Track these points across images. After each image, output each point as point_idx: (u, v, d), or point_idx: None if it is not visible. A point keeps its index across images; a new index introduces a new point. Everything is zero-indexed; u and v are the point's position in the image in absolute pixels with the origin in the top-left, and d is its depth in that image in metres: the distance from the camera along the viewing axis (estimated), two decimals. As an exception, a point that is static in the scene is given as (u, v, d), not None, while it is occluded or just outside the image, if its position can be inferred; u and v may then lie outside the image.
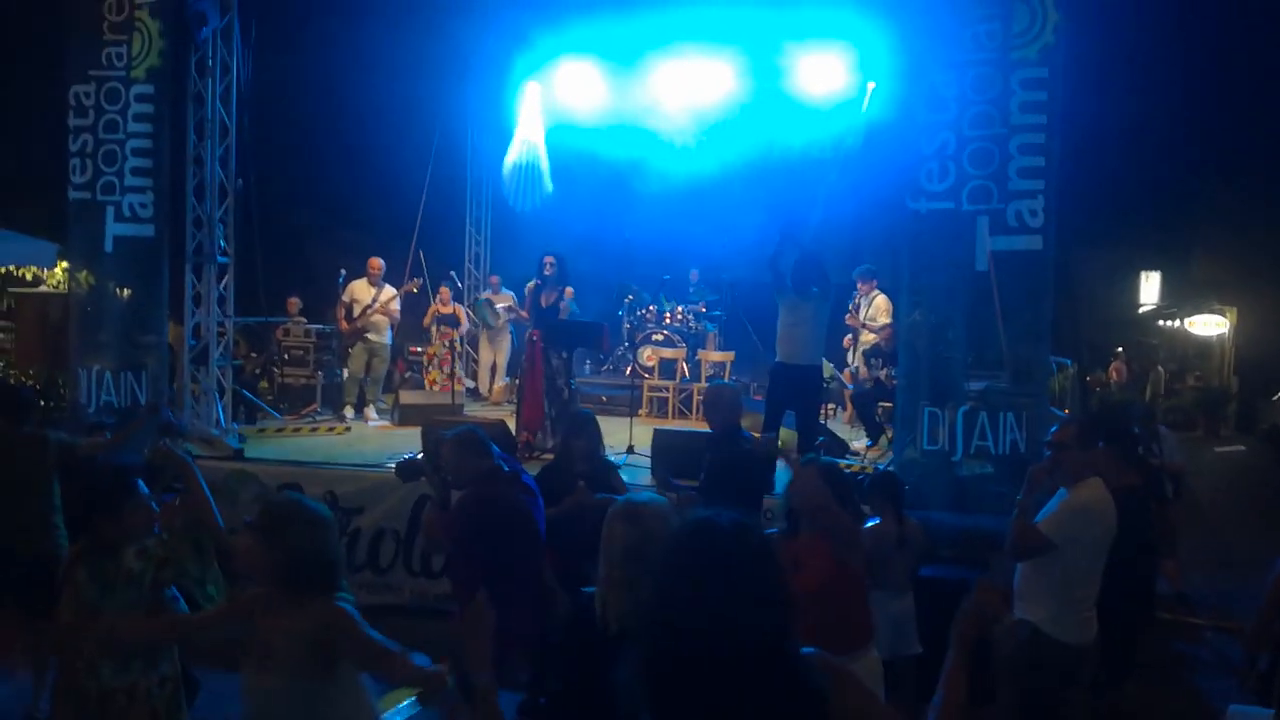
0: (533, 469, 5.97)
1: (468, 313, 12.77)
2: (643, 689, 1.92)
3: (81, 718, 3.53)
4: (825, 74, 11.58)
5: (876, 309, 10.65)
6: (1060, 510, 4.22)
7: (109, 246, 9.06)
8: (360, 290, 11.00)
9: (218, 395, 9.33)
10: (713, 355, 12.48)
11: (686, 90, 12.13)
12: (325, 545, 3.05)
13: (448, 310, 12.19)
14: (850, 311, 10.90)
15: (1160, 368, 25.78)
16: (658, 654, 1.91)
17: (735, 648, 1.85)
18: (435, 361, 12.08)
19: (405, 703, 5.62)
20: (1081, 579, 4.17)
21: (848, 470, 8.24)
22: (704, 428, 7.96)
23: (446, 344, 11.96)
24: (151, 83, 9.00)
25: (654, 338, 12.52)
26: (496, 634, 4.25)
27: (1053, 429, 4.48)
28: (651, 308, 12.89)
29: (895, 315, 9.50)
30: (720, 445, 5.57)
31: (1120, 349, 26.24)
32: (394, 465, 5.14)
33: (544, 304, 8.98)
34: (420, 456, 6.85)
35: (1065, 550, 4.12)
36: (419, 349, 12.79)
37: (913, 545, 5.27)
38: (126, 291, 9.26)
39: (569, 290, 9.01)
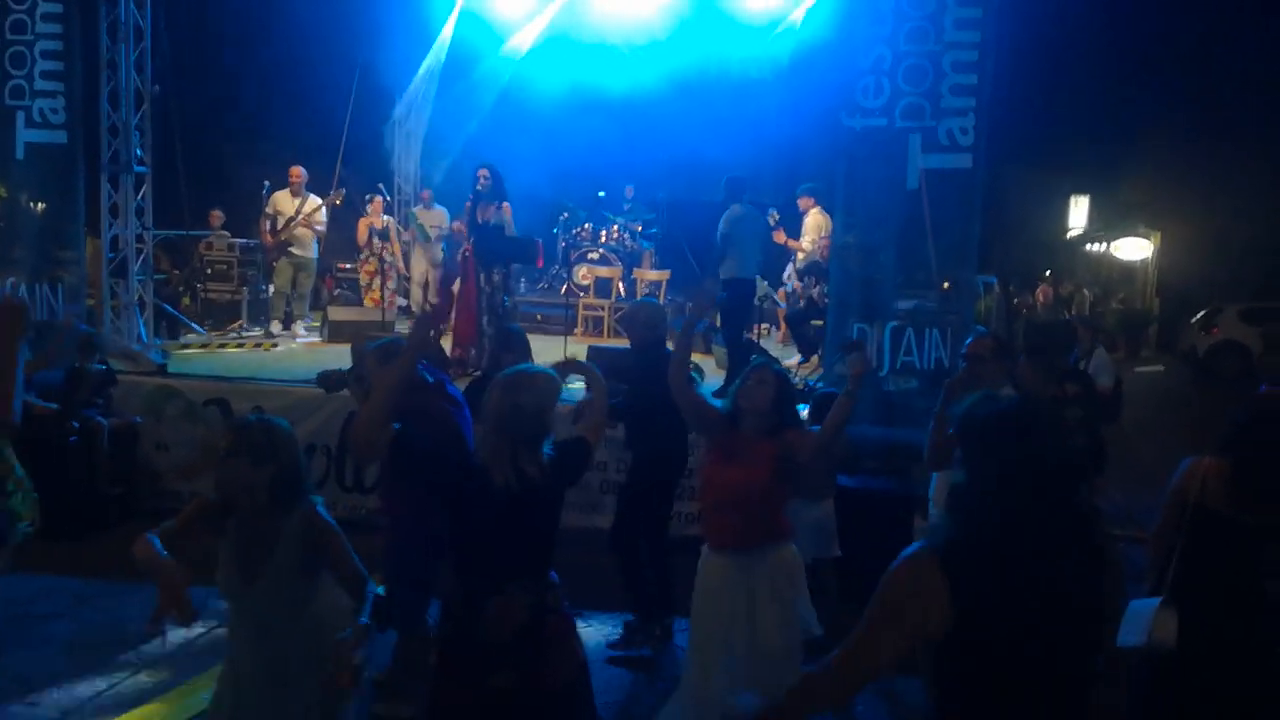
0: (465, 385, 5.96)
1: (398, 227, 12.54)
2: (969, 550, 2.20)
3: None
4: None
5: (806, 227, 10.66)
6: None
7: (20, 154, 8.71)
8: (283, 202, 10.69)
9: (138, 310, 9.09)
10: (648, 274, 12.46)
11: (622, 4, 11.89)
12: (300, 455, 3.25)
13: (382, 225, 11.95)
14: (775, 227, 10.85)
15: (1085, 290, 26.41)
16: (987, 513, 2.22)
17: (1055, 508, 2.21)
18: (375, 280, 11.84)
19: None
20: None
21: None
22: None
23: (385, 258, 11.77)
24: (59, -20, 8.57)
25: (589, 256, 12.45)
26: (426, 541, 4.30)
27: (967, 341, 4.58)
28: (587, 226, 12.79)
29: (832, 233, 9.55)
30: (640, 364, 5.57)
31: (1048, 272, 26.81)
32: (316, 376, 5.07)
33: (480, 219, 8.84)
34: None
35: None
36: (349, 265, 12.55)
37: (835, 456, 5.41)
38: (41, 205, 8.94)
39: (506, 206, 8.86)
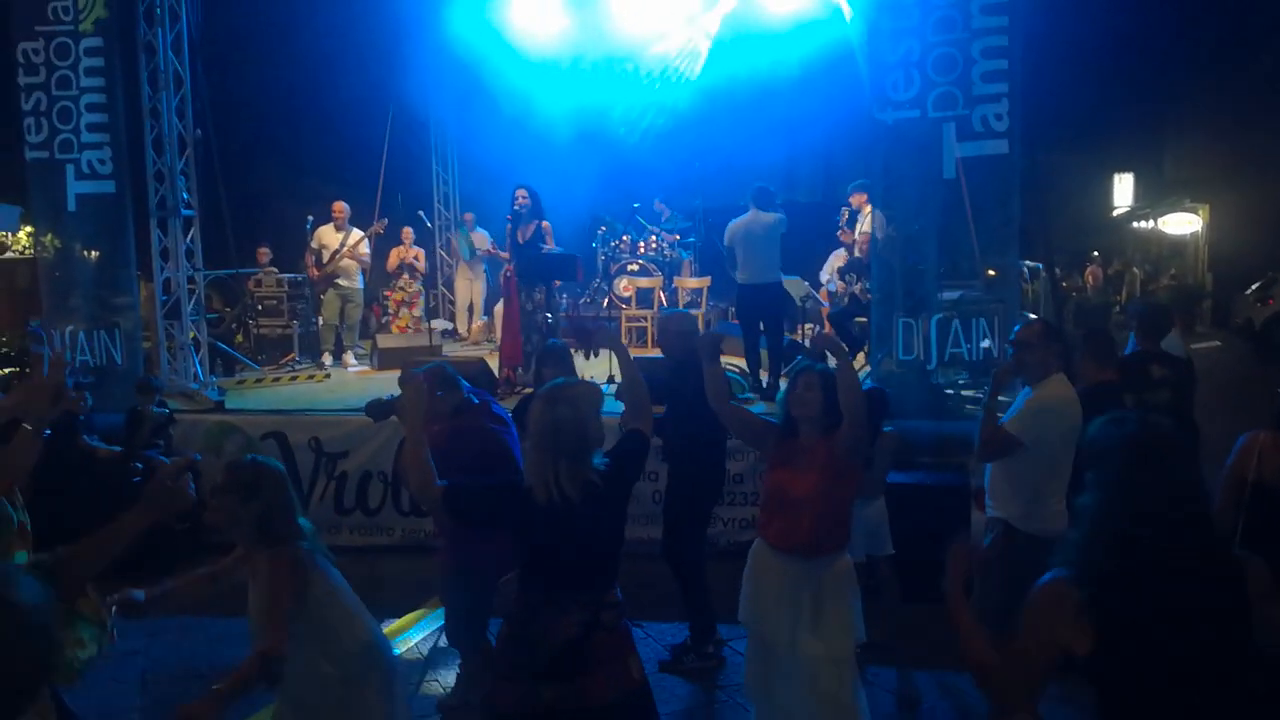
0: (514, 404, 6.05)
1: (441, 253, 12.70)
2: (1097, 570, 2.26)
3: None
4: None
5: (867, 222, 10.56)
6: (1025, 409, 4.29)
7: (72, 205, 8.97)
8: (327, 235, 10.90)
9: (193, 349, 9.30)
10: (689, 282, 12.46)
11: (650, 18, 11.93)
12: (292, 497, 3.39)
13: (412, 254, 12.12)
14: (842, 228, 10.79)
15: (1135, 269, 25.94)
16: (1119, 539, 2.27)
17: (1191, 529, 2.27)
18: (405, 304, 12.01)
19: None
20: (1049, 474, 4.23)
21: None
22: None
23: (414, 286, 11.92)
24: (100, 35, 8.82)
25: (629, 268, 12.49)
26: (483, 561, 4.35)
27: (1015, 328, 4.54)
28: (625, 238, 12.83)
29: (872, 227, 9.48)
30: (676, 374, 5.55)
31: (1095, 253, 26.40)
32: (364, 406, 5.15)
33: (521, 239, 8.93)
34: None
35: (1032, 448, 4.20)
36: (391, 293, 12.72)
37: (887, 454, 5.38)
38: (94, 253, 9.18)
39: (546, 225, 8.93)
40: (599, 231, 13.15)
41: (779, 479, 4.02)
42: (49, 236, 9.26)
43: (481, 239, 12.55)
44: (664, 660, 5.48)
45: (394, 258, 12.08)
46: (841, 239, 10.69)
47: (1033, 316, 7.76)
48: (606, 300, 12.31)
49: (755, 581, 4.09)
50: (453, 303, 13.47)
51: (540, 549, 3.05)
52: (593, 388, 3.25)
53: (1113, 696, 2.29)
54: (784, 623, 3.91)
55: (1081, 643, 2.23)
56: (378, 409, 4.89)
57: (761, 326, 8.81)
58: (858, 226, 10.50)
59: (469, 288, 12.86)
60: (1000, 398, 4.46)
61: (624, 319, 11.81)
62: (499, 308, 10.97)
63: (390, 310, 12.23)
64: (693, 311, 11.08)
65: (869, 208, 10.43)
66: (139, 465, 7.48)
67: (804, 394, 3.97)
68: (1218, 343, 19.69)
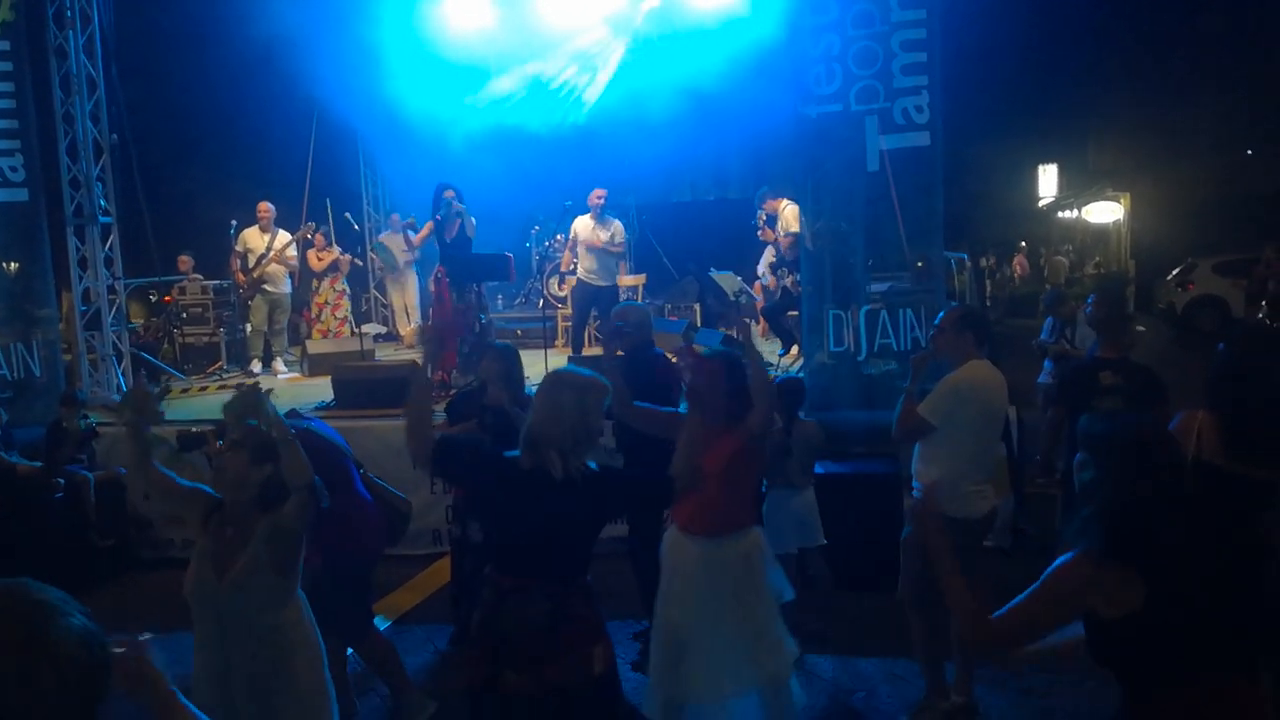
0: (444, 404, 6.04)
1: (373, 255, 12.54)
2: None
3: None
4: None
5: (787, 220, 10.67)
6: (935, 391, 4.36)
7: (-17, 213, 8.69)
8: (253, 239, 10.63)
9: (115, 360, 9.06)
10: (625, 280, 12.43)
11: (574, 16, 11.92)
12: None
13: (329, 257, 11.94)
14: (761, 228, 10.87)
15: (1059, 257, 26.54)
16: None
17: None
18: (328, 309, 11.82)
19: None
20: (960, 456, 4.29)
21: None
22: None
23: (336, 289, 11.75)
24: (7, 38, 8.58)
25: (563, 267, 12.44)
26: (350, 560, 4.43)
27: (940, 315, 4.62)
28: (560, 236, 12.78)
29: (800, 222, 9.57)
30: (629, 369, 5.49)
31: (1023, 243, 26.96)
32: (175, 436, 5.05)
33: (448, 238, 8.85)
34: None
35: (944, 429, 4.27)
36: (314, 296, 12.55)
37: (809, 443, 5.43)
38: (12, 265, 8.90)
39: (471, 222, 8.87)
40: (533, 231, 13.09)
41: None
42: (-37, 247, 8.96)
43: (400, 241, 12.37)
44: (635, 660, 5.46)
45: (312, 260, 11.90)
46: (762, 238, 10.80)
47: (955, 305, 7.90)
48: (541, 301, 12.26)
49: (669, 570, 4.09)
50: (386, 306, 13.31)
51: (511, 524, 3.11)
52: (602, 384, 3.24)
53: (1152, 652, 2.37)
54: (704, 607, 3.93)
55: (1128, 601, 2.32)
56: (188, 441, 4.80)
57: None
58: (780, 226, 10.61)
59: (401, 292, 12.72)
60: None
61: (560, 319, 11.76)
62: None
63: (312, 315, 12.02)
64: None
65: (783, 205, 10.55)
66: (60, 481, 7.28)
67: (710, 375, 3.94)
68: (1142, 328, 20.20)
